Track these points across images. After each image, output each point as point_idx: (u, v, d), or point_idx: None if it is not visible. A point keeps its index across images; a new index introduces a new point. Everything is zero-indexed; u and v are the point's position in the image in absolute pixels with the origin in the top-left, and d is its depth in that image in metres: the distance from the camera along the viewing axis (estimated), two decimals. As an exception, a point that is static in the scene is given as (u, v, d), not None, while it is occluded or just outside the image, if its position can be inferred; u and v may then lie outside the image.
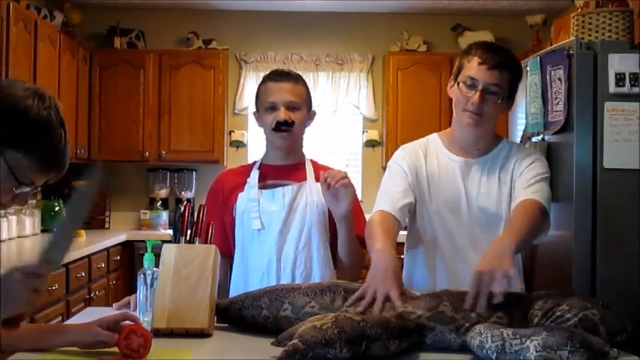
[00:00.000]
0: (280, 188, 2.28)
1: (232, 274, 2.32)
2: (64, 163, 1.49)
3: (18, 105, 1.41)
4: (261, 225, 2.24)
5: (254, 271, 2.26)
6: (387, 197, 2.14)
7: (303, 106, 2.30)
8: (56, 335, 1.69)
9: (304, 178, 2.31)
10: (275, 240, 2.24)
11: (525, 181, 2.11)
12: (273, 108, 2.26)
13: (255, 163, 2.40)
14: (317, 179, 2.28)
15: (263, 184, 2.29)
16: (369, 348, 1.58)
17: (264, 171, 2.33)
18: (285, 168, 2.32)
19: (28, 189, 1.47)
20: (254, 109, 2.38)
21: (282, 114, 2.24)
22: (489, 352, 1.59)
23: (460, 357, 1.67)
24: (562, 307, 1.73)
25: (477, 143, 2.18)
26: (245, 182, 2.31)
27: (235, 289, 2.28)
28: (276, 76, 2.32)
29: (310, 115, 2.35)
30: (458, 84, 2.12)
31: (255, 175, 2.31)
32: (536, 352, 1.52)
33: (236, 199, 2.30)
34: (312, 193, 2.27)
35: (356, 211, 2.25)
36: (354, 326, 1.58)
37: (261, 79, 2.37)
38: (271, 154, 2.37)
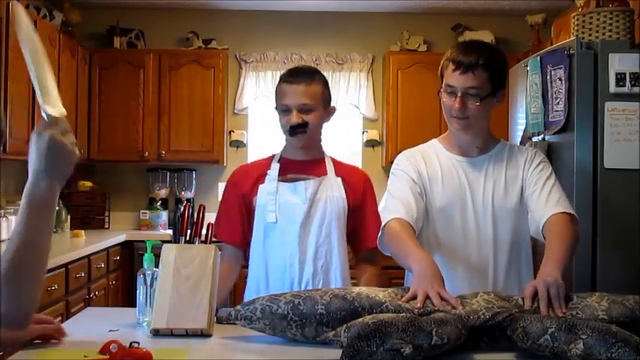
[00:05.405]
0: (302, 181, 2.30)
1: (251, 267, 2.34)
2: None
3: None
4: (276, 219, 2.27)
5: (276, 264, 2.28)
6: (399, 204, 2.13)
7: (318, 106, 2.31)
8: None
9: (324, 173, 2.34)
10: (297, 232, 2.27)
11: (540, 185, 2.11)
12: (287, 111, 2.28)
13: (274, 155, 2.41)
14: (337, 174, 2.33)
15: (284, 177, 2.32)
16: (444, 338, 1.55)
17: (285, 164, 2.35)
18: (305, 163, 2.35)
19: None
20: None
21: (294, 117, 2.27)
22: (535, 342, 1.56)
23: (505, 356, 1.66)
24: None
25: (475, 142, 2.20)
26: (266, 174, 2.34)
27: (256, 282, 2.31)
28: (290, 77, 2.31)
29: (329, 111, 2.38)
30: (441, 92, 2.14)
31: (275, 167, 2.34)
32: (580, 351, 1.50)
33: (257, 191, 2.32)
34: (332, 187, 2.31)
35: (373, 223, 2.26)
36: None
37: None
38: (290, 149, 2.38)
